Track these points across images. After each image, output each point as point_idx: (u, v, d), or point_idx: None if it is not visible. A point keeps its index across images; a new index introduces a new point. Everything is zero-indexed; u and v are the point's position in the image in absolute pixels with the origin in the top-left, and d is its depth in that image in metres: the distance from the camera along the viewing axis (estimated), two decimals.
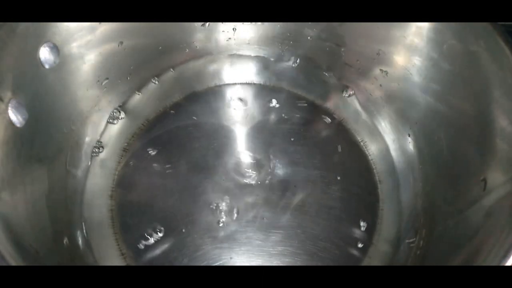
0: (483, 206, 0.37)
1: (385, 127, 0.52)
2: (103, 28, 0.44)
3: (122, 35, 0.46)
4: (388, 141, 0.51)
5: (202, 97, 0.53)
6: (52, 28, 0.39)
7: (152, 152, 0.49)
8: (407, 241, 0.46)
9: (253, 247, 0.44)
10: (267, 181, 0.48)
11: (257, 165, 0.49)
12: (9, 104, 0.34)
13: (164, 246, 0.44)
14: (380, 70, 0.50)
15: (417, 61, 0.45)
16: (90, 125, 0.48)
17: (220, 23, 0.52)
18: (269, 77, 0.55)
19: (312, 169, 0.49)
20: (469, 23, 0.38)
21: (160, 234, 0.44)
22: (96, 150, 0.48)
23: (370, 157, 0.51)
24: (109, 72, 0.48)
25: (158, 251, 0.44)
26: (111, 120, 0.50)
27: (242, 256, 0.44)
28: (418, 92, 0.46)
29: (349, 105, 0.53)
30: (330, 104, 0.53)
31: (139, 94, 0.52)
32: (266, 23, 0.52)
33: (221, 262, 0.44)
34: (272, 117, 0.52)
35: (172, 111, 0.52)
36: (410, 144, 0.49)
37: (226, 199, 0.47)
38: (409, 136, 0.49)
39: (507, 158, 0.36)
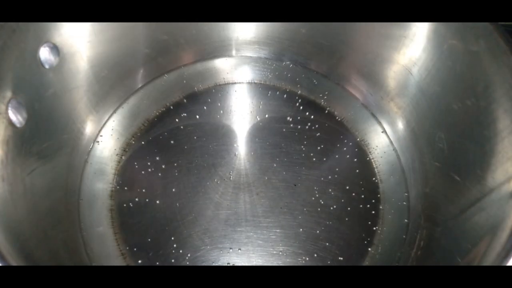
0: (483, 206, 0.37)
1: (386, 127, 0.52)
2: (103, 28, 0.44)
3: (122, 35, 0.46)
4: (388, 141, 0.51)
5: (202, 97, 0.53)
6: (52, 28, 0.39)
7: (152, 152, 0.49)
8: (407, 241, 0.46)
9: (253, 247, 0.44)
10: (267, 181, 0.48)
11: (257, 165, 0.49)
12: (9, 104, 0.34)
13: (164, 246, 0.44)
14: (380, 70, 0.50)
15: (417, 61, 0.45)
16: (90, 125, 0.48)
17: (220, 23, 0.52)
18: (269, 77, 0.55)
19: (312, 169, 0.49)
20: (470, 23, 0.38)
21: (160, 234, 0.44)
22: (96, 150, 0.48)
23: (370, 157, 0.51)
24: (109, 72, 0.48)
25: (158, 251, 0.44)
26: (111, 120, 0.50)
27: (242, 256, 0.44)
28: (418, 92, 0.46)
29: (349, 104, 0.53)
30: (330, 104, 0.53)
31: (138, 94, 0.52)
32: (266, 23, 0.52)
33: (221, 262, 0.44)
34: (272, 117, 0.52)
35: (172, 111, 0.52)
36: (410, 144, 0.49)
37: (226, 199, 0.47)
38: (409, 136, 0.49)
39: (507, 158, 0.36)
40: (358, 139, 0.52)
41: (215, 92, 0.53)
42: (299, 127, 0.51)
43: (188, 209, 0.46)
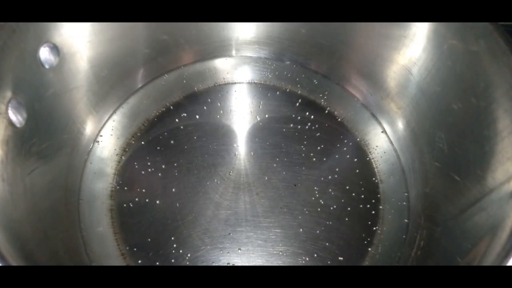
0: (483, 206, 0.37)
1: (386, 127, 0.52)
2: (103, 28, 0.44)
3: (122, 35, 0.46)
4: (388, 141, 0.51)
5: (202, 97, 0.53)
6: (52, 28, 0.39)
7: (152, 152, 0.49)
8: (407, 241, 0.46)
9: (253, 247, 0.44)
10: (267, 181, 0.48)
11: (257, 165, 0.49)
12: (9, 104, 0.34)
13: (164, 246, 0.44)
14: (380, 70, 0.50)
15: (417, 61, 0.45)
16: (90, 125, 0.48)
17: (220, 23, 0.52)
18: (269, 77, 0.55)
19: (312, 169, 0.49)
20: (470, 23, 0.38)
21: (160, 234, 0.44)
22: (96, 150, 0.48)
23: (370, 157, 0.51)
24: (109, 72, 0.48)
25: (158, 251, 0.44)
26: (111, 120, 0.50)
27: (242, 256, 0.44)
28: (418, 92, 0.46)
29: (349, 104, 0.53)
30: (330, 104, 0.53)
31: (138, 94, 0.52)
32: (266, 23, 0.52)
33: (221, 262, 0.44)
34: (272, 117, 0.52)
35: (172, 111, 0.52)
36: (410, 144, 0.49)
37: (226, 199, 0.47)
38: (409, 136, 0.49)
39: (507, 158, 0.35)
40: (358, 139, 0.52)
41: (215, 92, 0.53)
42: (299, 127, 0.51)
43: (188, 209, 0.46)
